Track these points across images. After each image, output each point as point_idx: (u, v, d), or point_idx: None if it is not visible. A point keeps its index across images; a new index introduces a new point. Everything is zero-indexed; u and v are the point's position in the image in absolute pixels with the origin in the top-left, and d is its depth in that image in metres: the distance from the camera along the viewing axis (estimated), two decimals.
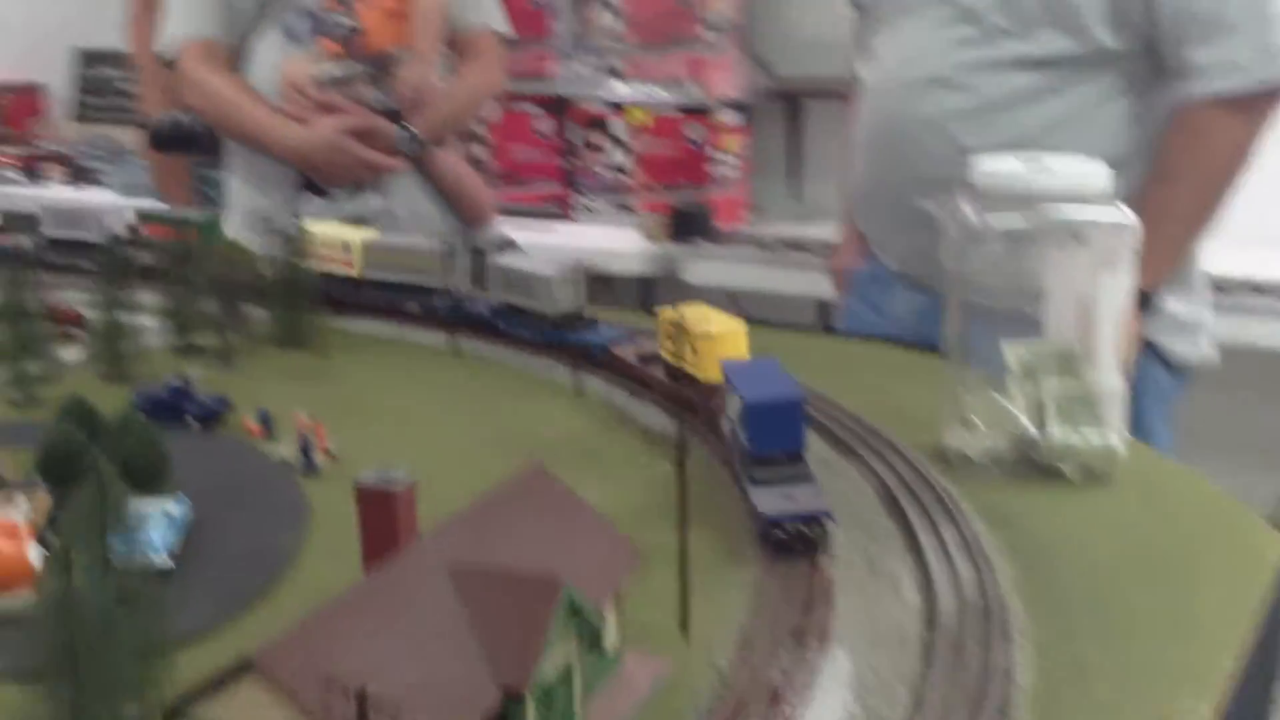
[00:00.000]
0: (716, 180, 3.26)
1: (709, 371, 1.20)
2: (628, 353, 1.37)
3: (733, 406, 1.08)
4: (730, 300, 3.37)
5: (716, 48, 3.19)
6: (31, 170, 3.82)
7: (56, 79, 4.44)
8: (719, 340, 1.21)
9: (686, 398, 1.24)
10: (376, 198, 2.20)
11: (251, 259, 1.57)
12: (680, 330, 1.25)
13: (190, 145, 2.30)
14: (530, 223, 3.32)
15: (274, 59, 2.18)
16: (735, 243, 3.12)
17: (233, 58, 2.21)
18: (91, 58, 4.36)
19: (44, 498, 0.93)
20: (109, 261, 1.46)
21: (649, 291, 3.47)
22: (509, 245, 2.38)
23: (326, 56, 2.12)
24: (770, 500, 0.97)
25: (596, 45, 3.25)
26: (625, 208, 3.32)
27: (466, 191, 2.33)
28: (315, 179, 2.16)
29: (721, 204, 3.27)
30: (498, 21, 2.32)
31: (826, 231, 2.59)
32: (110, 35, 4.18)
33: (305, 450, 1.12)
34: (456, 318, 1.56)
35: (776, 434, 1.01)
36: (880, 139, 1.73)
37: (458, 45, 2.26)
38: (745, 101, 3.32)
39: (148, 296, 1.56)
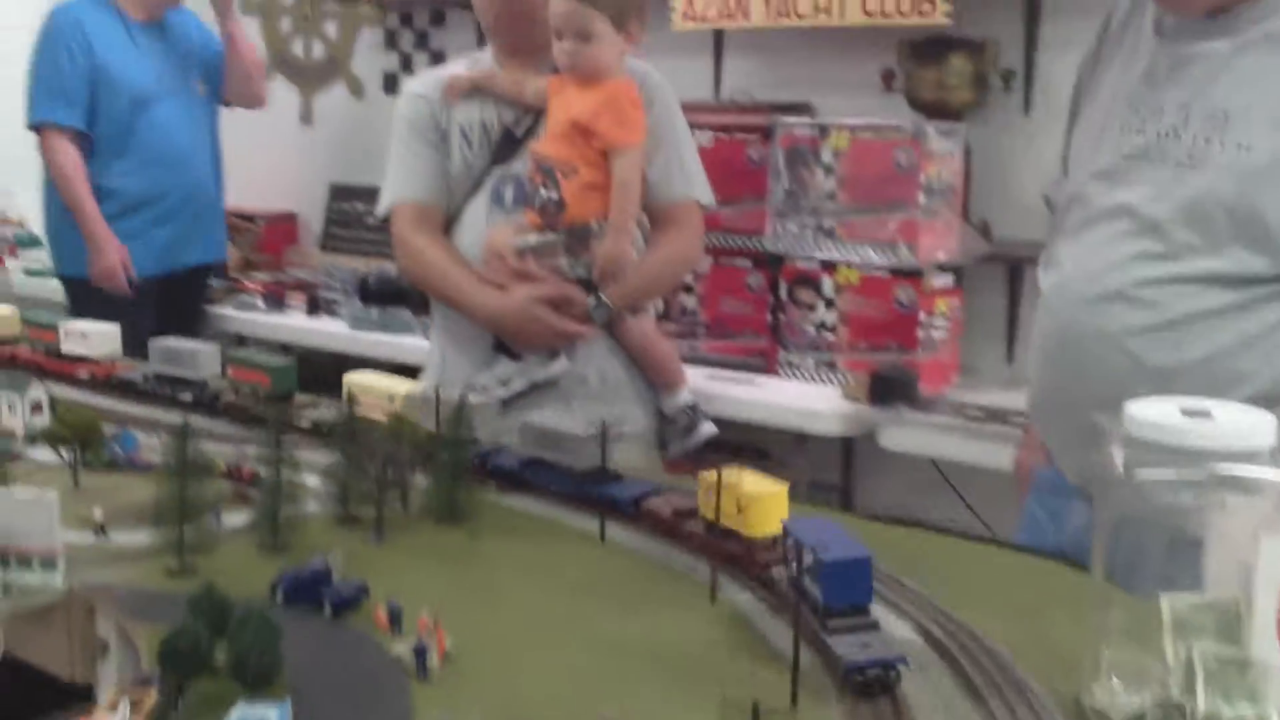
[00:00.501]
0: (925, 343, 3.19)
1: (756, 528, 1.34)
2: (664, 507, 1.51)
3: (803, 562, 1.20)
4: (933, 469, 3.30)
5: (931, 211, 3.15)
6: (275, 298, 4.05)
7: (311, 210, 4.72)
8: (767, 500, 1.34)
9: (731, 552, 1.37)
10: (566, 362, 2.24)
11: (417, 430, 1.61)
12: (725, 489, 1.38)
13: (397, 300, 2.42)
14: (733, 375, 3.33)
15: (481, 224, 2.28)
16: (938, 410, 3.03)
17: (443, 220, 2.32)
18: (341, 191, 4.62)
19: (151, 696, 0.97)
20: (276, 419, 1.52)
21: (847, 454, 3.41)
22: (694, 412, 2.41)
23: (528, 226, 2.20)
24: (850, 648, 1.11)
25: (811, 205, 3.25)
26: (829, 366, 3.29)
27: (656, 358, 2.36)
28: (509, 343, 2.23)
29: (929, 368, 3.20)
30: (700, 192, 2.35)
31: None
32: (360, 171, 4.47)
33: (420, 654, 1.13)
34: (485, 471, 1.67)
35: (850, 588, 1.15)
36: (1057, 351, 1.67)
37: (657, 215, 2.30)
38: (959, 264, 3.26)
39: (317, 456, 1.62)
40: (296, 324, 3.99)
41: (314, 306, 3.96)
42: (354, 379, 1.79)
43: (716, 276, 3.46)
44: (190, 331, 3.71)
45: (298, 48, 4.78)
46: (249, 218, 4.73)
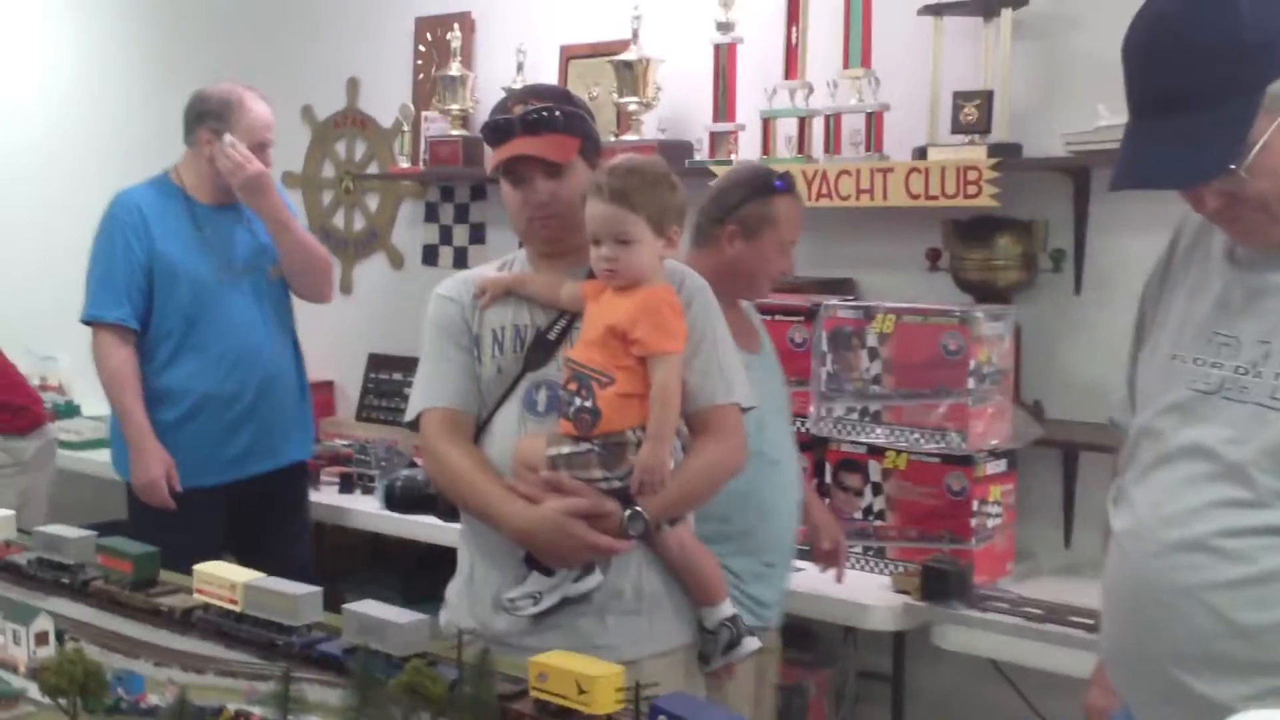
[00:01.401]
0: (978, 531, 3.05)
1: (597, 707, 1.47)
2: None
3: None
4: (995, 671, 3.13)
5: (981, 395, 3.04)
6: (311, 473, 3.96)
7: (349, 379, 4.67)
8: (607, 679, 1.47)
9: None
10: (601, 576, 2.13)
11: (436, 681, 1.49)
12: (561, 670, 1.49)
13: (425, 507, 2.32)
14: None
15: (513, 431, 2.18)
16: (994, 608, 2.88)
17: (473, 427, 2.23)
18: (379, 361, 4.58)
19: None
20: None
21: (898, 642, 3.25)
22: (736, 624, 2.27)
23: (560, 435, 2.10)
24: None
25: (856, 388, 3.15)
26: (878, 554, 3.15)
27: (696, 571, 2.24)
28: (539, 557, 2.12)
29: (983, 556, 3.06)
30: (740, 394, 2.25)
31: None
32: (398, 341, 4.42)
33: None
34: (309, 656, 1.75)
35: None
36: (1131, 602, 1.53)
37: (696, 420, 2.20)
38: (1012, 449, 3.13)
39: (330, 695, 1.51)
40: (329, 501, 3.90)
41: (347, 485, 3.88)
42: (201, 568, 1.97)
43: None
44: (278, 535, 3.51)
45: (339, 219, 4.78)
46: None
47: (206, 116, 3.46)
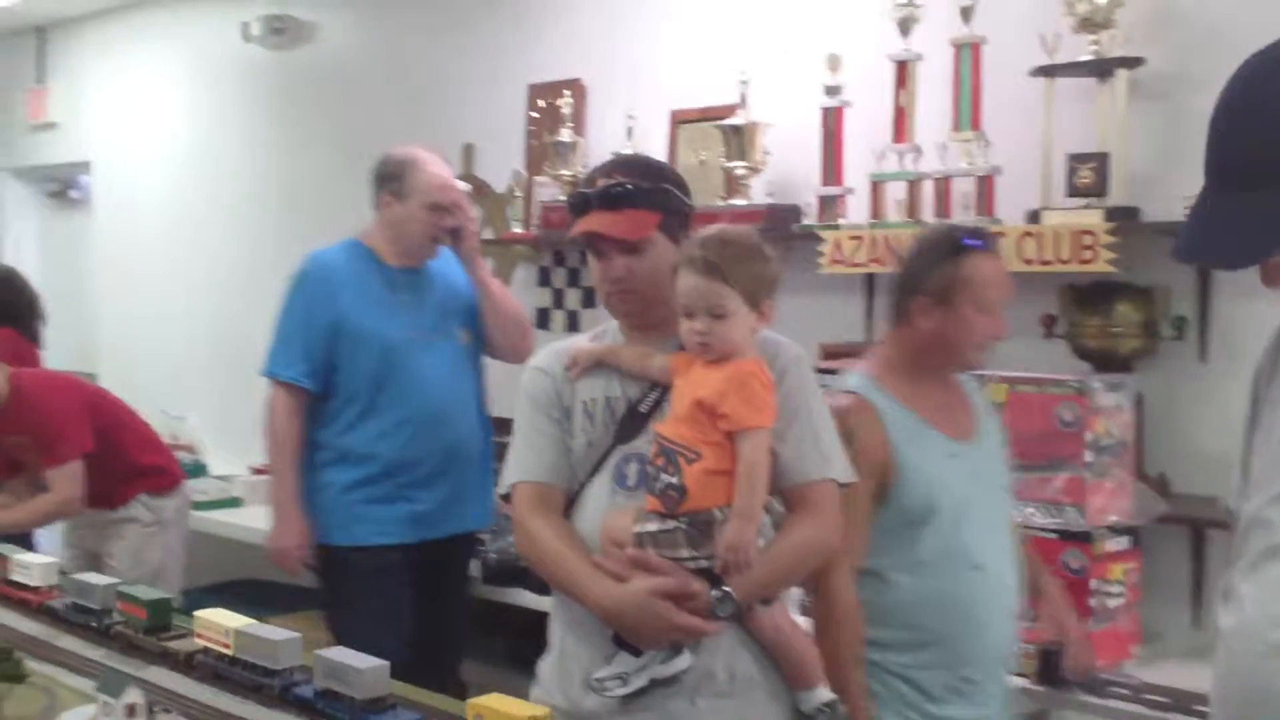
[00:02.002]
0: (1099, 612, 2.92)
1: None
2: None
3: None
4: None
5: (1100, 469, 2.92)
6: None
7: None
8: None
9: None
10: (691, 658, 2.07)
11: None
12: (492, 714, 1.59)
13: (517, 580, 2.30)
14: None
15: (603, 504, 2.14)
16: (1115, 694, 2.75)
17: (563, 501, 2.20)
18: (495, 425, 4.57)
19: None
20: None
21: None
22: (834, 710, 2.19)
23: (648, 512, 2.06)
24: None
25: None
26: None
27: (791, 654, 2.16)
28: (626, 638, 2.07)
29: (1104, 639, 2.92)
30: (838, 470, 2.19)
31: None
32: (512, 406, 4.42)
33: None
34: (287, 697, 1.92)
35: None
36: (1239, 709, 1.43)
37: (791, 496, 2.14)
38: (1135, 525, 3.00)
39: None
40: None
41: None
42: (201, 614, 2.14)
43: None
44: (445, 603, 3.43)
45: None
46: None
47: (387, 180, 3.46)
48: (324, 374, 3.39)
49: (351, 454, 3.38)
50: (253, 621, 2.09)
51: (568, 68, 4.38)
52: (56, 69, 6.76)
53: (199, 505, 4.76)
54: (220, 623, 2.09)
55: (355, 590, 3.34)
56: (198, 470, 5.32)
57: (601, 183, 2.20)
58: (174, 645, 2.19)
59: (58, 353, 7.10)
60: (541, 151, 4.36)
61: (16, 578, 2.57)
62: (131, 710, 1.93)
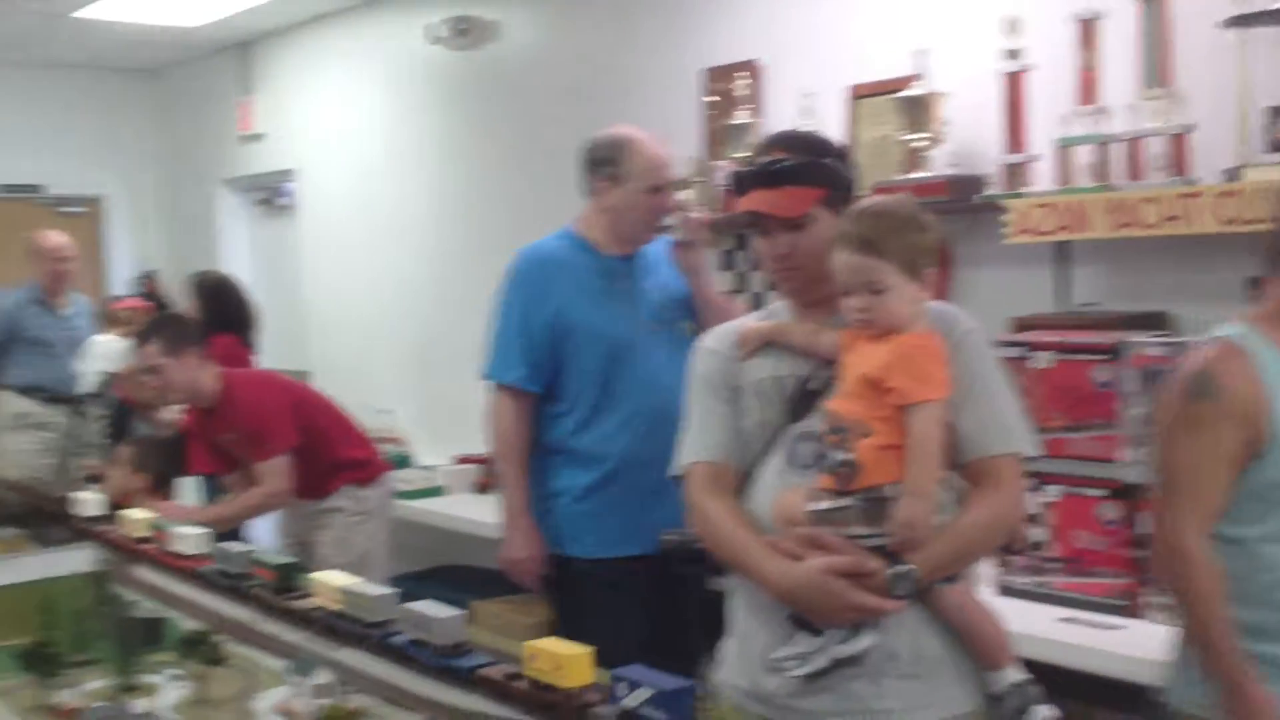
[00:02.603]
0: None
1: (571, 680, 1.82)
2: (495, 673, 1.94)
3: (637, 697, 1.73)
4: None
5: None
6: None
7: None
8: (577, 659, 1.83)
9: (551, 700, 1.83)
10: (872, 637, 2.02)
11: None
12: (542, 653, 1.85)
13: (696, 561, 2.28)
14: (1091, 618, 2.98)
15: (776, 484, 2.11)
16: None
17: (736, 481, 2.17)
18: None
19: None
20: None
21: None
22: (1026, 690, 2.11)
23: (820, 490, 2.01)
24: None
25: None
26: None
27: (977, 632, 2.09)
28: (803, 617, 2.03)
29: None
30: (1020, 443, 2.10)
31: None
32: None
33: None
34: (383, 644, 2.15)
35: (679, 707, 1.69)
36: None
37: (972, 471, 2.07)
38: None
39: None
40: None
41: None
42: (316, 576, 2.40)
43: (1067, 507, 3.14)
44: (689, 610, 2.95)
45: None
46: None
47: (600, 164, 3.23)
48: (547, 374, 3.19)
49: (580, 457, 3.17)
50: (358, 580, 2.34)
51: (743, 49, 4.33)
52: (261, 82, 7.04)
53: (404, 494, 4.90)
54: (331, 583, 2.33)
55: (589, 605, 3.12)
56: (403, 461, 5.48)
57: (761, 160, 2.17)
58: (297, 604, 2.46)
59: (272, 352, 7.41)
60: (719, 135, 4.33)
61: (174, 548, 2.96)
62: (321, 690, 1.98)
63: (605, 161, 3.23)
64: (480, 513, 4.79)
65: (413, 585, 4.62)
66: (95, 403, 5.53)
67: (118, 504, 3.49)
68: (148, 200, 8.00)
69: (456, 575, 5.34)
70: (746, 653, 2.16)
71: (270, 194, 7.33)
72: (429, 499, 5.11)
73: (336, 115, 6.49)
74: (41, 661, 2.19)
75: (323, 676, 1.99)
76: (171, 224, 8.00)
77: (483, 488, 5.15)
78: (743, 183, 2.18)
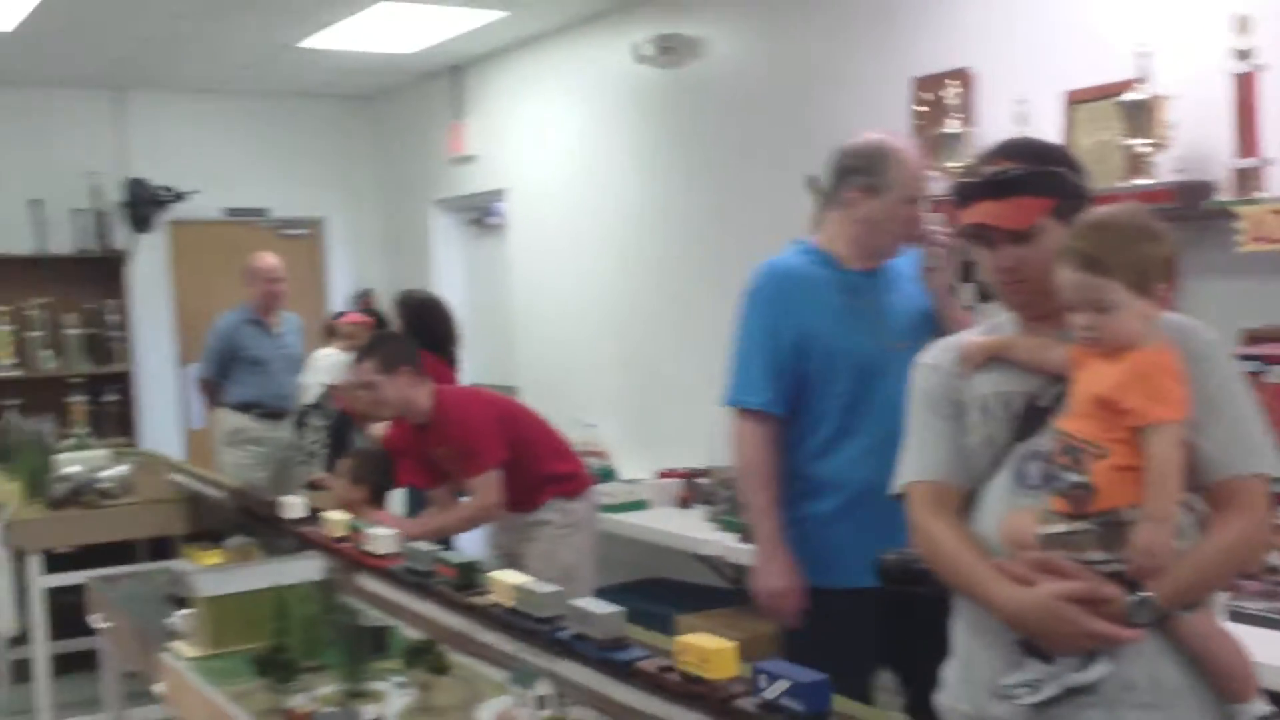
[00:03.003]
0: None
1: (717, 673, 1.96)
2: (650, 665, 2.08)
3: (776, 689, 1.87)
4: None
5: None
6: None
7: None
8: (722, 653, 1.97)
9: (698, 691, 1.98)
10: (1107, 666, 1.92)
11: None
12: (691, 647, 1.99)
13: (918, 583, 2.20)
14: None
15: (1003, 505, 2.03)
16: None
17: (960, 501, 2.09)
18: None
19: None
20: None
21: None
22: None
23: (1052, 512, 1.92)
24: None
25: None
26: None
27: (1221, 661, 1.96)
28: (1034, 643, 1.94)
29: None
30: (1268, 463, 1.97)
31: None
32: None
33: None
34: (550, 638, 2.31)
35: (818, 699, 1.83)
36: None
37: (1215, 493, 1.94)
38: None
39: None
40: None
41: None
42: (494, 575, 2.61)
43: None
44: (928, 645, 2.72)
45: None
46: None
47: (855, 172, 3.01)
48: (792, 397, 3.01)
49: (822, 483, 2.99)
50: (531, 580, 2.50)
51: (954, 57, 4.22)
52: (472, 105, 7.21)
53: (609, 508, 4.92)
54: (506, 581, 2.52)
55: (832, 638, 2.85)
56: (608, 475, 5.52)
57: (986, 170, 2.09)
58: (476, 600, 2.66)
59: (481, 367, 7.60)
60: (928, 145, 4.23)
61: (368, 548, 3.22)
62: (542, 701, 1.98)
63: (862, 170, 3.00)
64: (683, 527, 4.80)
65: (617, 598, 4.63)
66: (316, 413, 5.73)
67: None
68: (364, 221, 8.28)
69: (660, 589, 5.35)
70: (971, 677, 2.08)
71: (481, 214, 7.49)
72: (633, 513, 5.13)
73: (545, 136, 6.60)
74: (276, 667, 2.25)
75: (544, 687, 1.99)
76: (387, 244, 8.25)
77: (685, 502, 5.15)
78: (966, 193, 2.10)
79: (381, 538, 3.15)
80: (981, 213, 2.07)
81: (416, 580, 2.87)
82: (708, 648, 1.96)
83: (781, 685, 1.85)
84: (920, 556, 2.16)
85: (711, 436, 5.40)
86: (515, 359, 7.00)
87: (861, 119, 4.58)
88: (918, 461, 2.14)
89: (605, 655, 2.14)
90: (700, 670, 1.96)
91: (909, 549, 2.19)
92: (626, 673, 2.09)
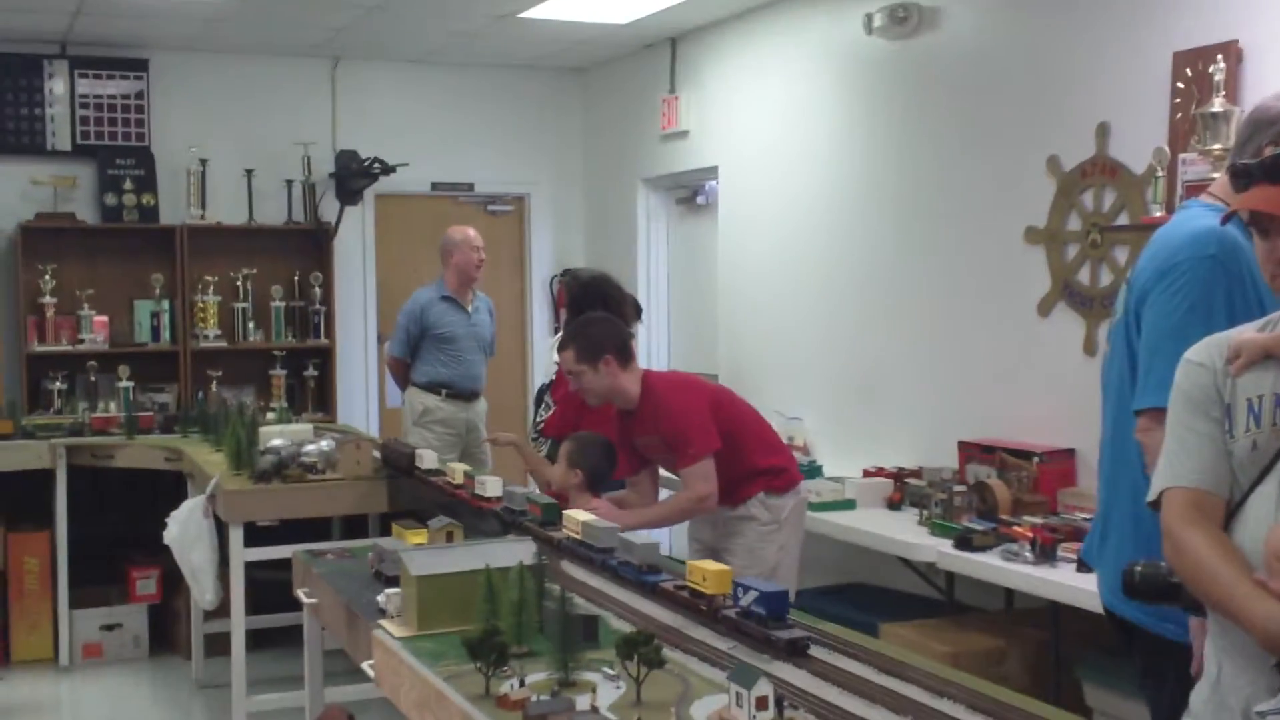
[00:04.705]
0: None
1: (714, 589, 2.71)
2: (669, 585, 2.90)
3: (748, 598, 2.59)
4: None
5: None
6: (1045, 547, 3.87)
7: (1094, 448, 4.49)
8: (722, 575, 2.73)
9: (698, 603, 2.77)
10: None
11: None
12: (699, 570, 2.77)
13: (1167, 597, 2.15)
14: None
15: (1268, 517, 1.96)
16: None
17: (1222, 510, 2.03)
18: None
19: None
20: None
21: None
22: None
23: None
24: (780, 632, 2.49)
25: None
26: None
27: None
28: None
29: None
30: None
31: None
32: None
33: None
34: (604, 567, 3.19)
35: (778, 606, 2.53)
36: None
37: None
38: None
39: None
40: (1064, 580, 3.77)
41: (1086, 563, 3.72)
42: (567, 512, 3.50)
43: None
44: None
45: (1084, 275, 4.65)
46: (1024, 454, 4.62)
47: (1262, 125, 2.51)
48: None
49: None
50: (594, 517, 3.34)
51: (1221, 30, 4.06)
52: (686, 78, 7.26)
53: (813, 506, 4.91)
54: (576, 518, 3.36)
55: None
56: (813, 471, 5.50)
57: (1269, 151, 2.01)
58: (549, 532, 3.50)
59: (681, 353, 7.67)
60: (1188, 125, 4.09)
61: (478, 491, 4.02)
62: (762, 703, 2.01)
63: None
64: (892, 529, 4.74)
65: (818, 602, 4.65)
66: (546, 394, 5.84)
67: (556, 499, 3.82)
68: (570, 198, 8.44)
69: (865, 595, 5.31)
70: (1223, 702, 2.02)
71: (690, 192, 7.55)
72: (839, 512, 5.09)
73: (762, 111, 6.60)
74: (487, 650, 2.32)
75: (764, 688, 2.01)
76: (591, 222, 8.40)
77: (893, 503, 5.10)
78: (1246, 177, 2.04)
79: (488, 483, 4.00)
80: (1260, 198, 2.00)
81: (512, 519, 3.76)
82: (708, 570, 2.74)
83: (752, 595, 2.58)
84: (1172, 568, 2.11)
85: (925, 434, 5.36)
86: (717, 346, 7.04)
87: (1111, 98, 4.47)
88: (1176, 466, 2.08)
89: (641, 577, 2.99)
90: (703, 588, 2.73)
91: (1160, 560, 2.14)
92: (654, 591, 2.93)
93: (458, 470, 4.31)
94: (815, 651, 2.47)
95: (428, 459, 4.61)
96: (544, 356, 6.24)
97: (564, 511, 3.46)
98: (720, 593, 2.69)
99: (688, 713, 2.19)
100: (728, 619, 2.64)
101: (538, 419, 5.78)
